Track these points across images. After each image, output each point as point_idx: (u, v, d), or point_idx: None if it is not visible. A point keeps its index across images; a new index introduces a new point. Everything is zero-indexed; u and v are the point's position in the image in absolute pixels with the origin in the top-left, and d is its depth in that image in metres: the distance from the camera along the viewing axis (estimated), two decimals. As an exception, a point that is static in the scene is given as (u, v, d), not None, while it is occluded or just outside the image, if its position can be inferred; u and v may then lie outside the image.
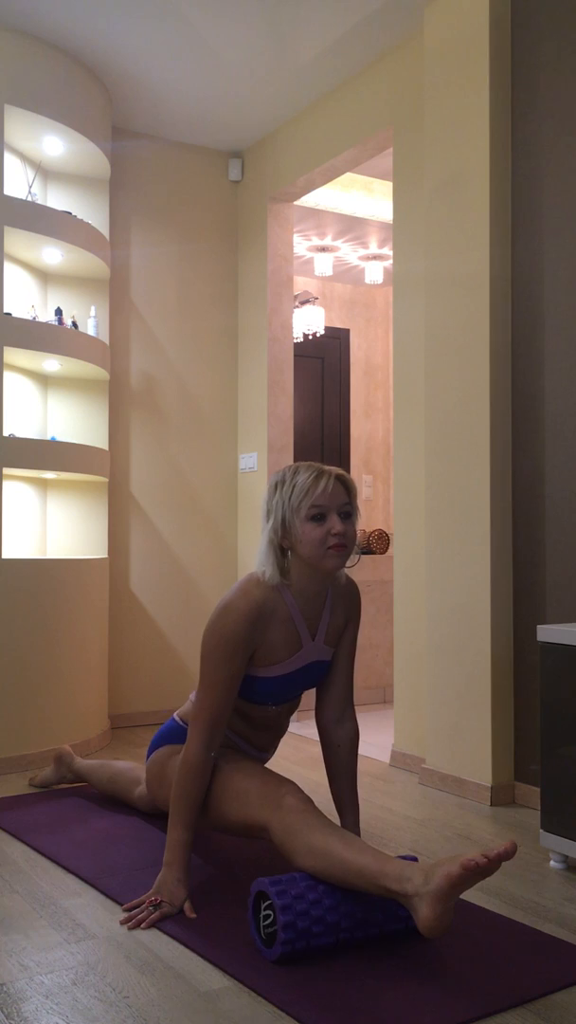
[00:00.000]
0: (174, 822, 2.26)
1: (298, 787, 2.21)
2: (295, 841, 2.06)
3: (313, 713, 4.32)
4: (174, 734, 2.60)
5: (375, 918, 2.02)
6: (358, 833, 2.46)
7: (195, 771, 2.25)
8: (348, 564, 2.32)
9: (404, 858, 2.14)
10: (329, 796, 3.14)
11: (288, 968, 1.91)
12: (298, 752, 3.91)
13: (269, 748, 2.58)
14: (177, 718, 2.62)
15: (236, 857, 2.58)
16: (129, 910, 2.20)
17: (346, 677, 2.50)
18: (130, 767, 3.07)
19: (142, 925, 2.11)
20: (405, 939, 2.05)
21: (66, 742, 3.76)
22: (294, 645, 2.35)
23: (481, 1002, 1.77)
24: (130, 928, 2.11)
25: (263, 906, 1.99)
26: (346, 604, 2.46)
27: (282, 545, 2.29)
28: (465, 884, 1.79)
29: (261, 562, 2.28)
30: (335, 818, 2.67)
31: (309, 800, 2.16)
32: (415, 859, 2.16)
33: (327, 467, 2.28)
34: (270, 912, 1.96)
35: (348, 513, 2.26)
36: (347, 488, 2.28)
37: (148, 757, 2.68)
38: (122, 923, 2.14)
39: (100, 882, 2.39)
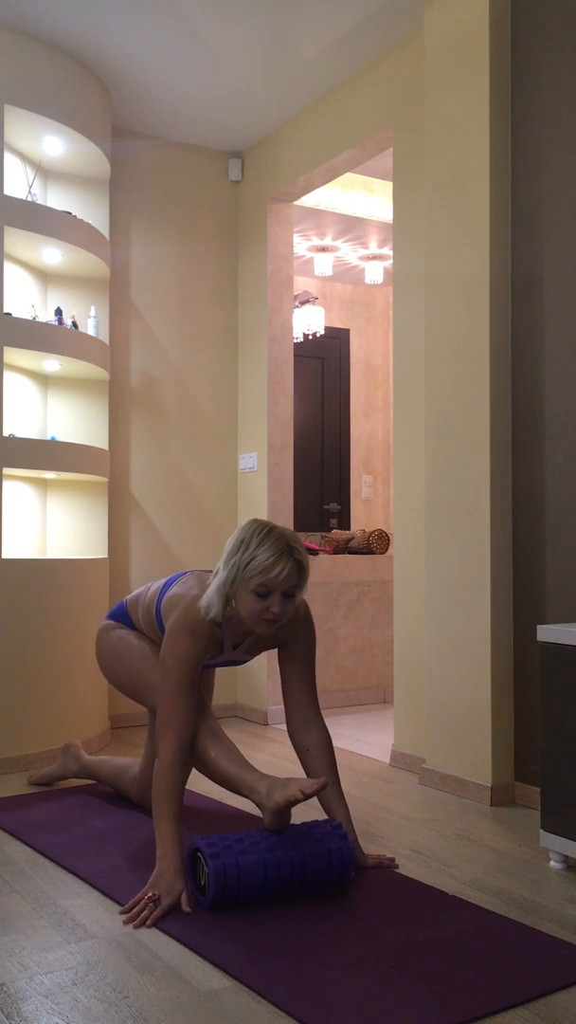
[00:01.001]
0: (159, 820, 2.33)
1: (208, 707, 2.61)
2: (195, 752, 2.51)
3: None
4: (118, 615, 2.96)
5: (301, 858, 2.26)
6: (354, 836, 2.51)
7: (170, 777, 2.37)
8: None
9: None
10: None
11: (288, 968, 1.91)
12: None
13: None
14: (125, 602, 2.95)
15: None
16: (128, 910, 2.19)
17: (305, 686, 2.64)
18: (136, 762, 3.15)
19: (146, 923, 2.12)
20: (405, 937, 2.05)
21: (66, 742, 3.75)
22: (216, 652, 2.62)
23: (481, 1002, 1.77)
24: (135, 927, 2.11)
25: (198, 866, 2.24)
26: (282, 629, 2.60)
27: (227, 593, 2.45)
28: (290, 808, 2.25)
29: (209, 600, 2.46)
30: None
31: (220, 728, 2.57)
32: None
33: (291, 545, 2.40)
34: (200, 857, 2.22)
35: (292, 594, 2.42)
36: (300, 572, 2.42)
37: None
38: (125, 923, 2.13)
39: (100, 882, 2.39)
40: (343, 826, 2.38)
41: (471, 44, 3.30)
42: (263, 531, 2.41)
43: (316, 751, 2.59)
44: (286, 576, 2.37)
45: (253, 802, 2.36)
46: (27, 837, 2.76)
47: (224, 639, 2.58)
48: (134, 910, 2.17)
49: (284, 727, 4.47)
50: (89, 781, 3.39)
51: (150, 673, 2.75)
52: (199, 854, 2.24)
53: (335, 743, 3.97)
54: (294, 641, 2.63)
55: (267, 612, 2.40)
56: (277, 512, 4.65)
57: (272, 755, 3.87)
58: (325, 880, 2.31)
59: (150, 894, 2.19)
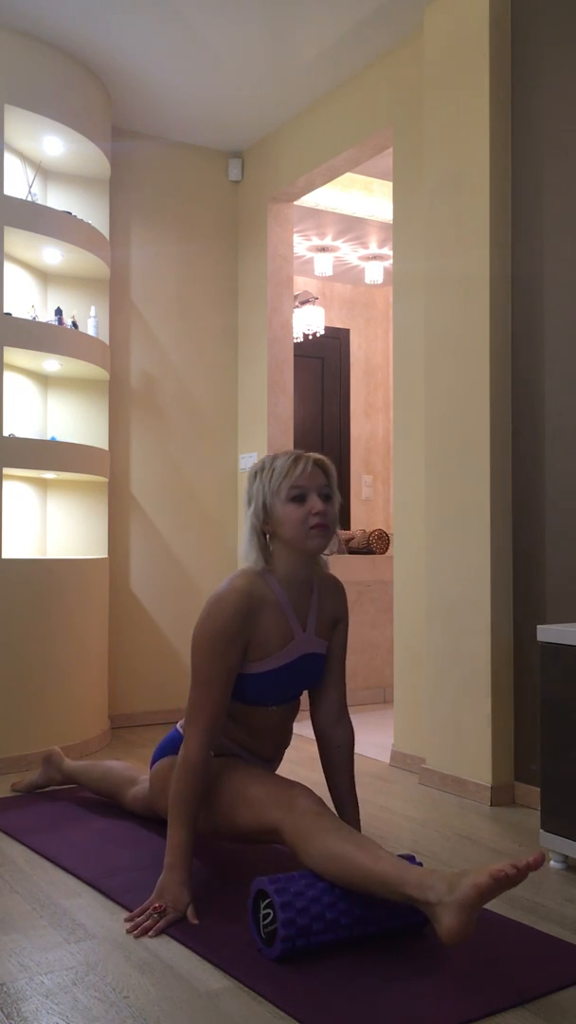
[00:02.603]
0: (174, 824, 2.22)
1: (309, 790, 2.19)
2: (309, 845, 2.04)
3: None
4: (177, 745, 2.53)
5: (375, 914, 2.02)
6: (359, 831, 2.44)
7: (194, 772, 2.22)
8: (329, 551, 2.37)
9: (403, 857, 2.13)
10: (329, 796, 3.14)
11: (288, 968, 1.90)
12: (298, 752, 3.91)
13: (274, 758, 2.55)
14: (179, 728, 2.54)
15: (235, 858, 2.58)
16: (133, 919, 2.14)
17: (339, 679, 2.52)
18: (124, 766, 3.01)
19: (148, 933, 2.07)
20: (405, 937, 2.05)
21: (66, 742, 3.76)
22: (286, 635, 2.35)
23: (481, 1002, 1.77)
24: (137, 936, 2.07)
25: (263, 905, 1.99)
26: (333, 598, 2.49)
27: (264, 530, 2.33)
28: (492, 894, 1.79)
29: (245, 549, 2.33)
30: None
31: (321, 802, 2.16)
32: (413, 858, 2.16)
33: (305, 452, 2.34)
34: (270, 910, 1.96)
35: (328, 495, 2.32)
36: (325, 471, 2.34)
37: (151, 767, 2.65)
38: (128, 932, 2.09)
39: (100, 882, 2.39)
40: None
41: (471, 44, 3.30)
42: (270, 455, 2.35)
43: (345, 749, 2.49)
44: (311, 471, 2.28)
45: (418, 903, 1.85)
46: (27, 838, 2.76)
47: (286, 610, 2.33)
48: (137, 920, 2.12)
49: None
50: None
51: (242, 808, 2.25)
52: (271, 908, 1.95)
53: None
54: (339, 621, 2.48)
55: (311, 517, 2.25)
56: (277, 512, 4.64)
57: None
58: (403, 928, 2.08)
59: (156, 904, 2.14)
